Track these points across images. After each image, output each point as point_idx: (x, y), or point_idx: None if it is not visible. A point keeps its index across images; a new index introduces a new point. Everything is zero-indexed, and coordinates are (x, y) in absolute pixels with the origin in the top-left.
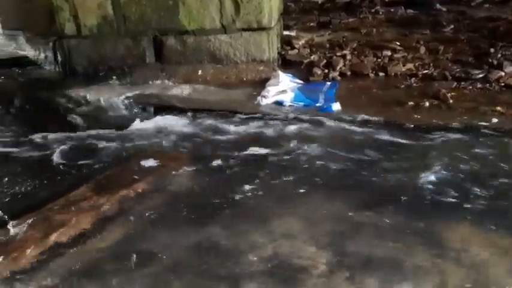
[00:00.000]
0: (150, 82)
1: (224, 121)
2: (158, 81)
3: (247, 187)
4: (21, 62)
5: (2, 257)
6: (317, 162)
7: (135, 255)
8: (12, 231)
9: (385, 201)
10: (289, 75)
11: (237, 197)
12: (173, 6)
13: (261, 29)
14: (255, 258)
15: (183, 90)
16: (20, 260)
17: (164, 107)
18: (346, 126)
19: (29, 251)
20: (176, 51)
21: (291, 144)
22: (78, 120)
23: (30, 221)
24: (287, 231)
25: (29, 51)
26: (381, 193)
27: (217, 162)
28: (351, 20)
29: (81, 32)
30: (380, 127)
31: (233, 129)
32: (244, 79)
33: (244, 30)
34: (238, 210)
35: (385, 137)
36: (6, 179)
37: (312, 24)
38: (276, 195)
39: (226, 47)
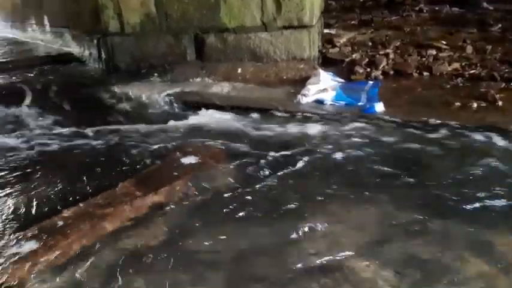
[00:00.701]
0: (190, 80)
1: (266, 119)
2: (198, 79)
3: (287, 188)
4: (67, 58)
5: (46, 249)
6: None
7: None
8: (58, 222)
9: None
10: (330, 73)
11: (282, 197)
12: (215, 4)
13: (302, 26)
14: (298, 261)
15: (223, 88)
16: (62, 253)
17: (204, 105)
18: None
19: (72, 244)
20: (216, 49)
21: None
22: (121, 115)
23: (75, 213)
24: (329, 234)
25: (74, 48)
26: None
27: (259, 161)
28: (393, 18)
29: (124, 30)
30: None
31: (276, 127)
32: (284, 77)
33: (285, 28)
34: (280, 210)
35: None
36: (52, 171)
37: (353, 22)
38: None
39: (266, 45)
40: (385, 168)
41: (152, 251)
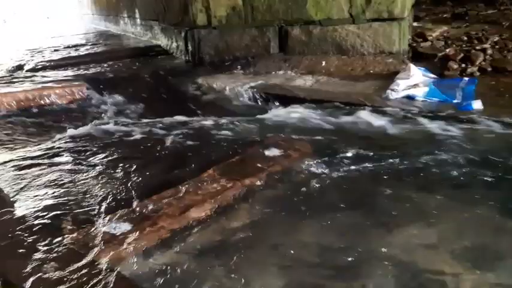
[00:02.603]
0: (273, 72)
1: (351, 114)
2: (281, 72)
3: (378, 188)
4: (155, 50)
5: (138, 232)
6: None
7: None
8: (149, 206)
9: None
10: (422, 68)
11: (366, 198)
12: None
13: (392, 19)
14: (379, 267)
15: (306, 81)
16: (153, 236)
17: (287, 98)
18: None
19: (162, 228)
20: (300, 42)
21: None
22: (206, 106)
23: (164, 198)
24: (424, 239)
25: (162, 41)
26: None
27: (343, 156)
28: (490, 12)
29: (211, 23)
30: None
31: (362, 123)
32: (371, 71)
33: (373, 20)
34: (366, 209)
35: None
36: (140, 158)
37: (445, 15)
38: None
39: (353, 38)
40: (485, 171)
41: (236, 240)
